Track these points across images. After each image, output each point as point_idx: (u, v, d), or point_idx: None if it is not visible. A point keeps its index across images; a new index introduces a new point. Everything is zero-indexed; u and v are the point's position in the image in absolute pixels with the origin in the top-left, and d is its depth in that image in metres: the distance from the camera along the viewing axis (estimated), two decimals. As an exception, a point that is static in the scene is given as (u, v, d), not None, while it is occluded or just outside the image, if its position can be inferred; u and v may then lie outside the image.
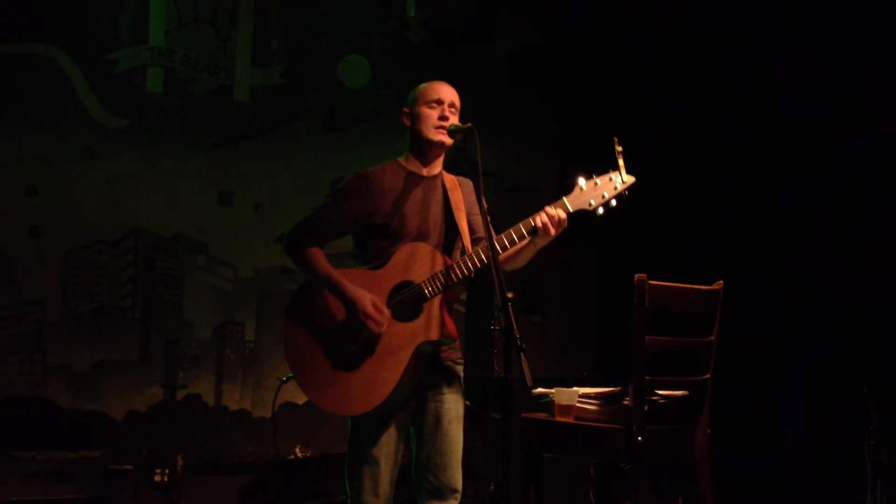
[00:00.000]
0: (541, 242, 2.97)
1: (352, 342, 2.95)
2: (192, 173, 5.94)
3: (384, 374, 2.91)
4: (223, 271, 5.99)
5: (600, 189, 2.93)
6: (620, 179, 2.92)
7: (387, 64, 6.33)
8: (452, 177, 3.19)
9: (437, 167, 3.15)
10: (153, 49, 5.90)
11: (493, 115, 6.12)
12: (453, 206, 3.08)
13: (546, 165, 6.71)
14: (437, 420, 3.05)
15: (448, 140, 3.06)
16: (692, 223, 5.61)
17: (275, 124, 6.13)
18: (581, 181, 2.94)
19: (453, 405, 3.08)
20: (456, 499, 3.06)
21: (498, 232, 3.01)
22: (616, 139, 2.91)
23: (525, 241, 2.96)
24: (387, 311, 2.93)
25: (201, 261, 5.94)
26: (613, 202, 2.93)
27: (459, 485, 3.07)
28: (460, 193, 3.13)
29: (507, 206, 6.17)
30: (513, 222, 2.97)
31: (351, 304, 2.93)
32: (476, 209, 3.10)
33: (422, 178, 3.11)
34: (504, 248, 2.93)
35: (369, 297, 2.92)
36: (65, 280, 5.65)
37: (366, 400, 2.91)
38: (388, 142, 5.96)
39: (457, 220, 3.07)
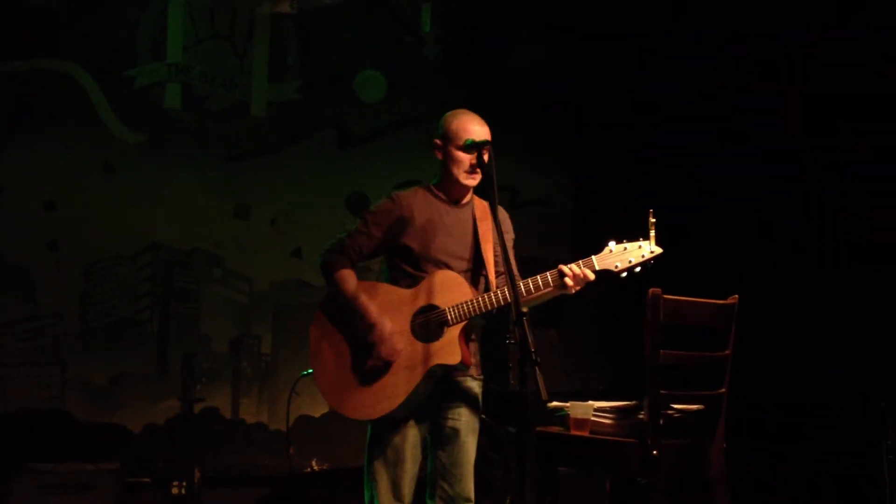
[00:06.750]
0: (563, 291, 3.06)
1: (370, 354, 3.06)
2: (209, 188, 5.98)
3: (395, 388, 3.03)
4: (239, 285, 6.03)
5: (628, 254, 3.03)
6: (649, 249, 3.03)
7: (402, 79, 6.36)
8: (484, 204, 3.23)
9: (468, 196, 3.24)
10: (171, 65, 5.96)
11: (508, 129, 6.11)
12: (481, 236, 3.17)
13: (559, 179, 6.72)
14: (455, 431, 3.14)
15: (476, 182, 3.15)
16: (707, 237, 5.60)
17: (291, 139, 6.17)
18: (611, 244, 3.05)
19: (470, 418, 3.18)
20: None
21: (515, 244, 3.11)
22: (651, 211, 3.03)
23: (548, 290, 3.04)
24: (399, 348, 3.04)
25: (218, 274, 5.98)
26: (638, 269, 3.03)
27: (472, 494, 3.17)
28: (489, 222, 3.17)
29: (521, 219, 6.14)
30: (527, 236, 3.03)
31: (370, 329, 3.05)
32: (504, 238, 3.07)
33: (452, 205, 3.20)
34: (529, 291, 3.01)
35: (389, 327, 3.05)
36: (83, 294, 5.70)
37: (374, 409, 3.05)
38: (404, 156, 6.01)
39: (483, 251, 3.16)
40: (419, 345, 3.05)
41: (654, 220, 3.03)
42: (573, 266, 3.01)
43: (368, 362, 3.06)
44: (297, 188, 6.14)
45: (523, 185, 6.57)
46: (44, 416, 5.53)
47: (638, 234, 3.05)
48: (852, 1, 5.00)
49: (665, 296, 3.11)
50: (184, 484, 5.15)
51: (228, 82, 6.08)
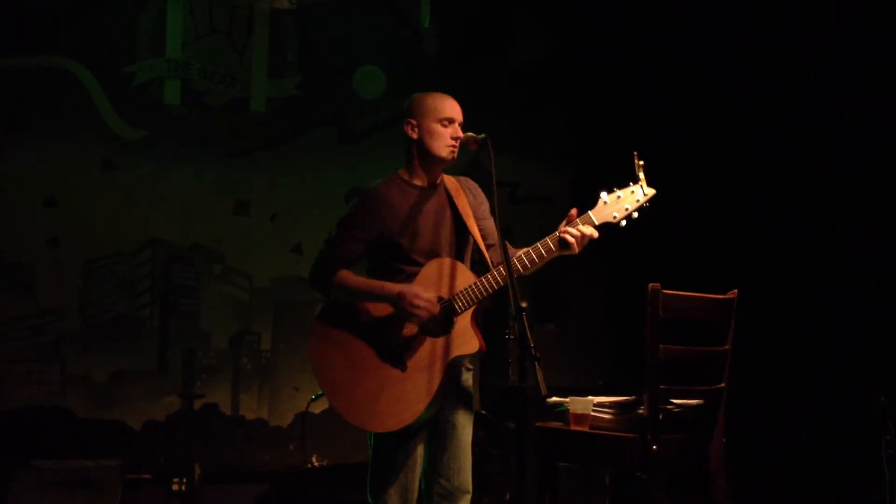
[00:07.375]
0: (566, 252, 3.00)
1: (383, 360, 2.97)
2: (209, 184, 5.98)
3: (417, 391, 2.93)
4: (240, 281, 6.03)
5: (623, 202, 2.98)
6: (642, 192, 2.99)
7: (401, 75, 6.36)
8: (452, 179, 3.19)
9: (439, 175, 3.16)
10: (170, 61, 5.95)
11: (507, 125, 6.14)
12: (461, 212, 3.10)
13: (560, 175, 6.72)
14: (454, 426, 3.09)
15: (455, 155, 3.08)
16: (707, 231, 5.60)
17: (290, 135, 6.17)
18: (603, 195, 3.01)
19: (466, 412, 3.13)
20: (468, 500, 3.10)
21: (513, 242, 3.07)
22: (636, 153, 2.98)
23: (552, 255, 2.99)
24: (434, 297, 2.93)
25: (218, 271, 5.98)
26: (636, 214, 2.99)
27: (471, 487, 3.12)
28: (464, 197, 3.14)
29: (521, 215, 6.19)
30: (527, 232, 2.99)
31: (397, 298, 2.92)
32: (485, 212, 3.14)
33: (427, 189, 3.11)
34: (532, 262, 2.96)
35: (413, 286, 2.93)
36: (83, 290, 5.70)
37: (401, 416, 2.93)
38: (403, 152, 6.01)
39: (468, 226, 3.09)
40: (432, 341, 2.95)
41: (641, 161, 2.98)
42: (577, 226, 2.95)
43: (385, 364, 2.94)
44: (296, 184, 6.14)
45: (523, 181, 6.58)
46: (44, 413, 5.52)
47: (627, 179, 3.00)
48: (852, 1, 4.99)
49: (665, 291, 3.10)
50: (184, 480, 5.16)
51: (228, 78, 6.08)
